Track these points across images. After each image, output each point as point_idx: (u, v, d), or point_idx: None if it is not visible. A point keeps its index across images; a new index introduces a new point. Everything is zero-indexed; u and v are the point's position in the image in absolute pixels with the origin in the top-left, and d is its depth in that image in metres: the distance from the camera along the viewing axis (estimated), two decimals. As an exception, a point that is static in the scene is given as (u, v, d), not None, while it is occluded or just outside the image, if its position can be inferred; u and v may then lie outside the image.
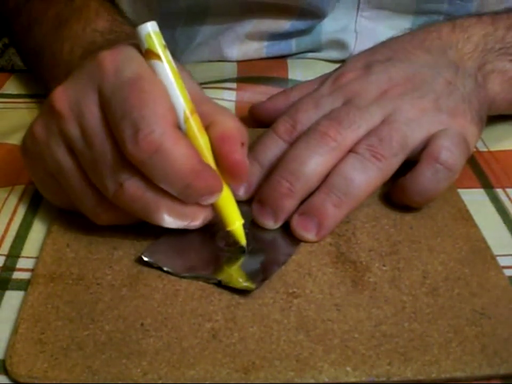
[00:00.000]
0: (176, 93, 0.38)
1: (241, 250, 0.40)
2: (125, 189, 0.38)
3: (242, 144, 0.39)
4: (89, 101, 0.39)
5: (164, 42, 0.39)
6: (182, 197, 0.38)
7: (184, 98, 0.38)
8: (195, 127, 0.38)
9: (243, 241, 0.40)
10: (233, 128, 0.39)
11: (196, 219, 0.39)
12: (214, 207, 0.40)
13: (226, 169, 0.39)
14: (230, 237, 0.40)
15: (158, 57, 0.38)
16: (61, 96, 0.39)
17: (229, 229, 0.40)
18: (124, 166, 0.38)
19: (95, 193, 0.40)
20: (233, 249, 0.41)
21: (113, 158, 0.38)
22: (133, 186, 0.38)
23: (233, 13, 0.59)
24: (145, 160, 0.36)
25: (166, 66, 0.38)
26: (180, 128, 0.38)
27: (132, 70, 0.38)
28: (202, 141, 0.39)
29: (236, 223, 0.40)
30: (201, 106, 0.39)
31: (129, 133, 0.36)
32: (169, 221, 0.39)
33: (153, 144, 0.36)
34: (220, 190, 0.39)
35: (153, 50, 0.38)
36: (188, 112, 0.38)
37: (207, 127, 0.39)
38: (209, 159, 0.39)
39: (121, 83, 0.37)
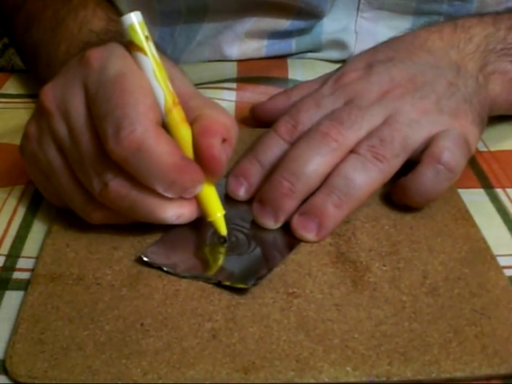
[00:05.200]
0: (157, 85, 0.38)
1: (221, 241, 0.41)
2: (110, 188, 0.38)
3: (224, 139, 0.39)
4: (75, 98, 0.39)
5: (147, 33, 0.39)
6: (167, 193, 0.38)
7: (166, 90, 0.38)
8: (177, 118, 0.39)
9: (223, 232, 0.40)
10: (216, 122, 0.39)
11: (183, 213, 0.40)
12: (196, 199, 0.40)
13: (203, 163, 0.39)
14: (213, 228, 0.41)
15: (141, 49, 0.38)
16: (49, 94, 0.40)
17: (209, 219, 0.40)
18: (108, 165, 0.38)
19: (83, 192, 0.40)
20: (232, 249, 0.41)
21: (98, 156, 0.38)
22: (117, 185, 0.38)
23: (232, 11, 0.60)
24: (127, 158, 0.36)
25: (148, 58, 0.38)
26: (162, 122, 0.38)
27: (116, 67, 0.38)
28: (184, 133, 0.39)
29: (216, 214, 0.40)
30: (190, 101, 0.40)
31: (111, 132, 0.36)
32: (156, 217, 0.39)
33: (135, 142, 0.36)
34: (202, 182, 0.39)
35: (135, 42, 0.38)
36: (169, 104, 0.38)
37: (193, 121, 0.39)
38: (189, 151, 0.39)
39: (105, 81, 0.38)
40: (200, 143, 0.38)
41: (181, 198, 0.39)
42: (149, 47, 0.38)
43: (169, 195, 0.38)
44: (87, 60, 0.39)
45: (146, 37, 0.38)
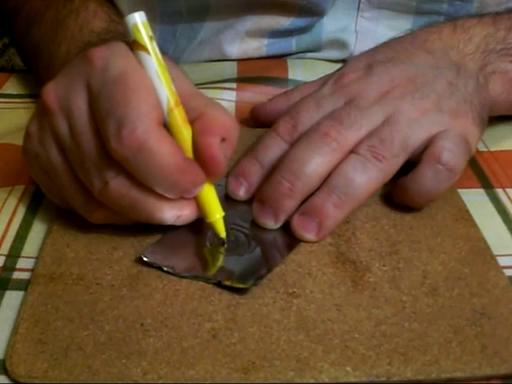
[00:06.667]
0: (160, 85, 0.38)
1: (220, 243, 0.41)
2: (110, 187, 0.38)
3: (224, 139, 0.39)
4: (77, 97, 0.39)
5: (151, 33, 0.39)
6: (167, 193, 0.38)
7: (168, 90, 0.38)
8: (179, 119, 0.38)
9: (222, 233, 0.41)
10: (215, 121, 0.39)
11: (182, 214, 0.40)
12: (195, 200, 0.40)
13: (203, 163, 0.38)
14: (214, 233, 0.41)
15: (144, 48, 0.38)
16: (51, 93, 0.40)
17: (208, 221, 0.40)
18: (109, 164, 0.38)
19: (85, 191, 0.40)
20: (232, 249, 0.41)
21: (99, 155, 0.38)
22: (118, 184, 0.38)
23: (233, 10, 0.60)
24: (129, 157, 0.36)
25: (151, 58, 0.38)
26: (164, 121, 0.38)
27: (119, 66, 0.38)
28: (185, 133, 0.39)
29: (215, 215, 0.40)
30: (191, 101, 0.39)
31: (113, 131, 0.36)
32: (156, 217, 0.39)
33: (137, 141, 0.36)
34: (203, 183, 0.39)
35: (139, 42, 0.38)
36: (172, 104, 0.38)
37: (194, 121, 0.39)
38: (190, 152, 0.39)
39: (108, 80, 0.38)
40: (199, 143, 0.38)
41: (181, 198, 0.39)
42: (152, 46, 0.38)
43: (170, 195, 0.38)
44: (89, 59, 0.39)
45: (150, 37, 0.38)
